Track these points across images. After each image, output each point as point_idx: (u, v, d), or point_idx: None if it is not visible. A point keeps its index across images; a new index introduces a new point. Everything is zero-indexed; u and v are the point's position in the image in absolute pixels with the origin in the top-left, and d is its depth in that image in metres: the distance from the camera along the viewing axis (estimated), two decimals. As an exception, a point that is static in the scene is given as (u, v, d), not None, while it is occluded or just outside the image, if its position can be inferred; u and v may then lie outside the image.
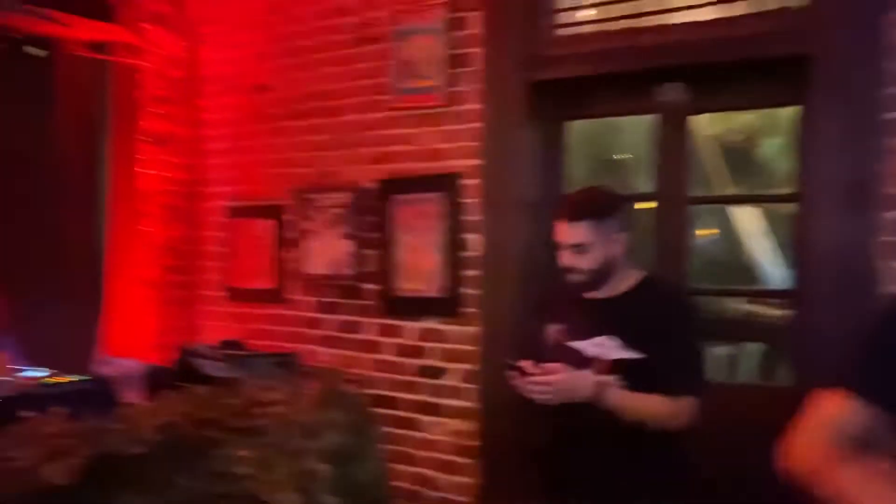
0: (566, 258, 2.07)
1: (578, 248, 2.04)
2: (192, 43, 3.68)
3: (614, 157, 3.49)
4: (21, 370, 1.92)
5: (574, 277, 2.07)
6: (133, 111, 3.48)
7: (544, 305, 2.27)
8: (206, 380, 2.09)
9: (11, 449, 1.44)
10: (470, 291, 2.93)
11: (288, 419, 1.92)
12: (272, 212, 3.46)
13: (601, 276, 2.07)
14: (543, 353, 2.04)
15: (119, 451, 1.55)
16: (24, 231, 3.06)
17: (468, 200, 2.93)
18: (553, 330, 2.11)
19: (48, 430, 1.52)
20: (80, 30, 3.20)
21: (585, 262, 2.04)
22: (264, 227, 3.50)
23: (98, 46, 3.34)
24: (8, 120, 3.02)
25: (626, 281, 2.10)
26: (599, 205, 2.09)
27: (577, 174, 3.02)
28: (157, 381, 2.11)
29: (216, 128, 3.69)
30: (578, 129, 3.04)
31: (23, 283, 2.96)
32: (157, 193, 3.61)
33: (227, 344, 2.43)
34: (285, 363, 2.28)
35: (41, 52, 3.09)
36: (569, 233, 2.05)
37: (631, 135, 3.29)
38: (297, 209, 3.37)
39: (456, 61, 2.93)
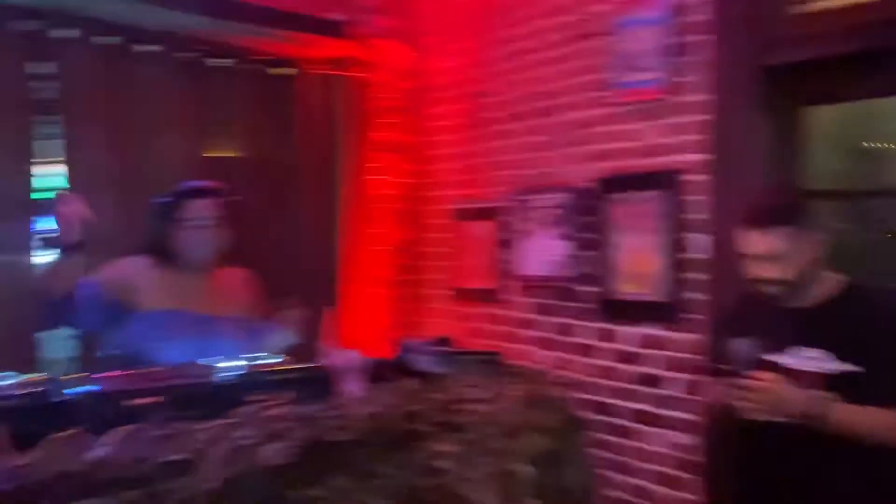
0: (757, 269, 1.91)
1: (772, 258, 1.87)
2: (419, 54, 3.85)
3: (865, 145, 3.09)
4: (252, 356, 2.12)
5: (768, 289, 1.91)
6: (365, 121, 3.72)
7: (734, 318, 2.10)
8: (418, 374, 2.16)
9: (237, 429, 1.58)
10: (694, 296, 2.74)
11: (491, 418, 1.93)
12: (492, 213, 3.51)
13: (799, 285, 1.89)
14: (737, 370, 1.89)
15: (331, 437, 1.64)
16: (269, 231, 3.38)
17: (692, 198, 2.75)
18: (745, 344, 1.94)
19: (270, 413, 1.65)
20: (316, 49, 3.47)
21: (781, 273, 1.87)
22: (485, 228, 3.56)
23: (332, 62, 3.61)
24: (256, 134, 3.37)
25: (826, 287, 1.91)
26: (791, 208, 1.92)
27: (820, 166, 2.70)
28: (376, 373, 2.20)
29: (441, 134, 3.83)
30: (820, 117, 2.73)
31: (265, 278, 3.28)
32: (388, 198, 3.82)
33: (439, 340, 2.49)
34: (491, 362, 2.28)
35: (283, 72, 3.41)
36: (759, 242, 1.89)
37: (886, 119, 2.89)
38: (515, 210, 3.38)
39: (679, 51, 2.77)
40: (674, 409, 2.80)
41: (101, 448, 1.45)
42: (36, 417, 1.58)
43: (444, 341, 2.66)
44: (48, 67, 2.88)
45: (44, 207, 2.86)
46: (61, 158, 2.94)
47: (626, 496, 2.89)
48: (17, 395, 1.62)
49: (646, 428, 2.88)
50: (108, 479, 1.34)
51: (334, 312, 3.38)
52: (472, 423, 1.87)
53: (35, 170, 2.89)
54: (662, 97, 2.81)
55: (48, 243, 2.39)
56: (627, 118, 2.95)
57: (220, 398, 1.83)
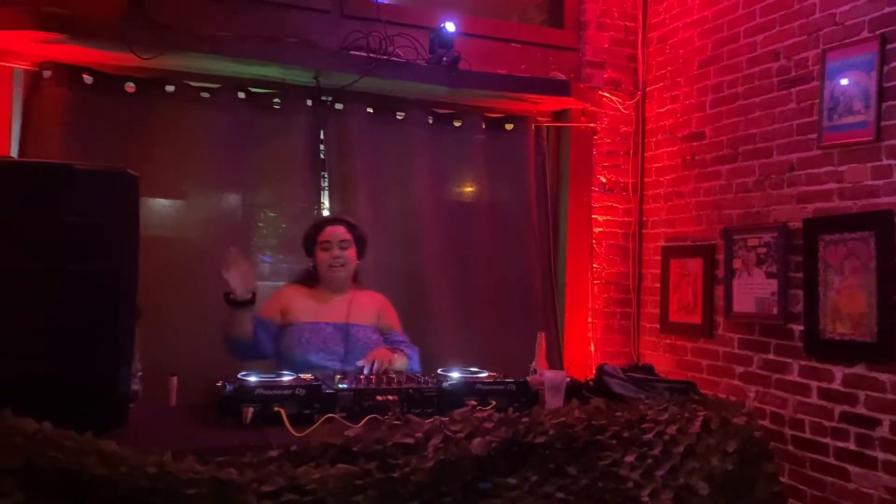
0: None
1: None
2: (638, 101, 4.12)
3: None
4: (471, 371, 2.53)
5: None
6: (588, 165, 4.06)
7: None
8: (612, 395, 2.44)
9: (453, 424, 1.99)
10: (909, 338, 2.71)
11: (674, 438, 2.16)
12: (702, 251, 3.66)
13: None
14: None
15: (525, 439, 2.00)
16: (498, 263, 3.82)
17: (906, 240, 2.73)
18: None
19: (479, 414, 2.05)
20: (546, 104, 3.88)
21: None
22: (695, 265, 3.71)
23: (559, 115, 4.02)
24: (493, 180, 3.83)
25: None
26: None
27: None
28: (574, 392, 2.53)
29: (655, 175, 4.04)
30: None
31: (489, 303, 3.71)
32: (606, 234, 4.11)
33: (637, 367, 2.74)
34: (685, 390, 2.49)
35: (516, 126, 3.86)
36: None
37: None
38: (726, 249, 3.51)
39: (888, 94, 2.79)
40: (889, 451, 2.77)
41: (354, 429, 1.95)
42: (309, 404, 2.12)
43: (647, 369, 2.91)
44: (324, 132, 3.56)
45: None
46: (327, 205, 3.58)
47: (827, 534, 2.90)
48: (293, 387, 2.17)
49: (857, 469, 2.87)
50: (357, 450, 1.81)
51: (549, 336, 3.72)
52: (655, 441, 2.12)
53: (323, 212, 3.52)
54: (871, 140, 2.83)
55: (227, 300, 2.57)
56: (836, 160, 2.99)
57: (442, 400, 2.27)
